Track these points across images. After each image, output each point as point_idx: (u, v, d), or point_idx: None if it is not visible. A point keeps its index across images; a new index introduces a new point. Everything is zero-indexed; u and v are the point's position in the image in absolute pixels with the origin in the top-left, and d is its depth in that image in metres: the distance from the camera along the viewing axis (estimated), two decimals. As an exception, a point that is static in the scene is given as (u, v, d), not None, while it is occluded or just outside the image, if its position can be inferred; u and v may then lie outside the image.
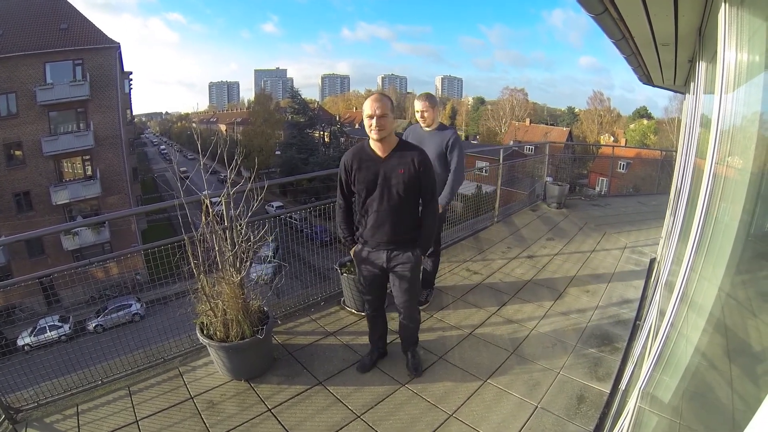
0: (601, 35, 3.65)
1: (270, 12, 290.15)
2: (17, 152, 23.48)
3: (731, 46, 2.03)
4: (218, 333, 3.42)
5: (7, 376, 3.46)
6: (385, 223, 3.14)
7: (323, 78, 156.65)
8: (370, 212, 3.16)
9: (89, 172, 25.41)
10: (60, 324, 18.01)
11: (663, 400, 2.21)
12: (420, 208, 3.23)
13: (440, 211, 4.02)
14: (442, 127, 4.44)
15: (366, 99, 3.05)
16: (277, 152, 45.54)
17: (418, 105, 4.34)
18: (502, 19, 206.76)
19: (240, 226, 3.51)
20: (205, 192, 3.46)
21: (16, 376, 3.54)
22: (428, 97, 4.34)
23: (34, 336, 17.43)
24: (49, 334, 17.42)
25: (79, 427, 3.12)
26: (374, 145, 3.08)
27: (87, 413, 3.27)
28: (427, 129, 4.40)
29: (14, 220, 22.92)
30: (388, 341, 3.86)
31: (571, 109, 77.56)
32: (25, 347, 16.72)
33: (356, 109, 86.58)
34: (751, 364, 1.51)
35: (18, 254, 22.98)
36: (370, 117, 2.95)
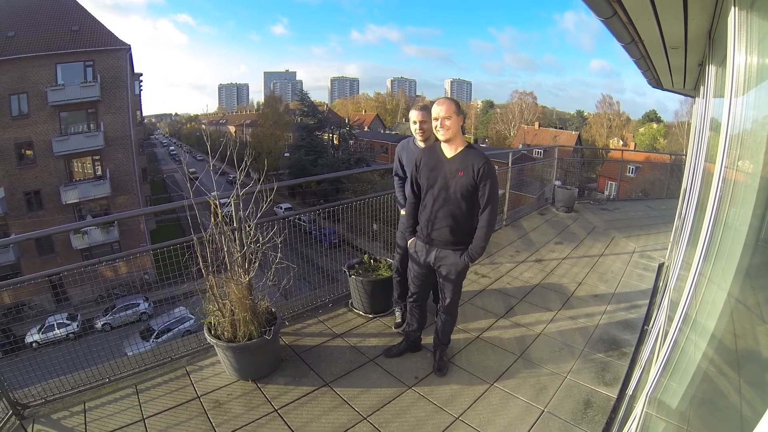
0: (613, 38, 3.64)
1: (279, 14, 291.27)
2: (28, 152, 23.68)
3: (741, 50, 2.03)
4: (226, 333, 3.44)
5: (15, 372, 3.49)
6: (438, 221, 3.27)
7: (332, 80, 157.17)
8: (426, 209, 3.33)
9: (99, 172, 25.58)
10: (68, 322, 18.16)
11: (670, 406, 2.19)
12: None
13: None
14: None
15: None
16: (286, 154, 45.59)
17: (414, 115, 3.78)
18: (513, 22, 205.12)
19: (249, 227, 3.52)
20: (214, 193, 3.48)
21: (24, 372, 3.57)
22: (425, 107, 3.74)
23: (42, 333, 17.57)
24: (57, 331, 17.55)
25: (86, 424, 3.15)
26: (443, 146, 3.24)
27: (94, 410, 3.29)
28: (421, 144, 3.88)
29: (24, 219, 23.13)
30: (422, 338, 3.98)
31: (580, 113, 77.28)
32: (34, 344, 16.86)
33: (365, 111, 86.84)
34: (760, 370, 1.50)
35: (28, 252, 23.19)
36: (436, 119, 3.13)
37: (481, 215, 3.19)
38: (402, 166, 4.09)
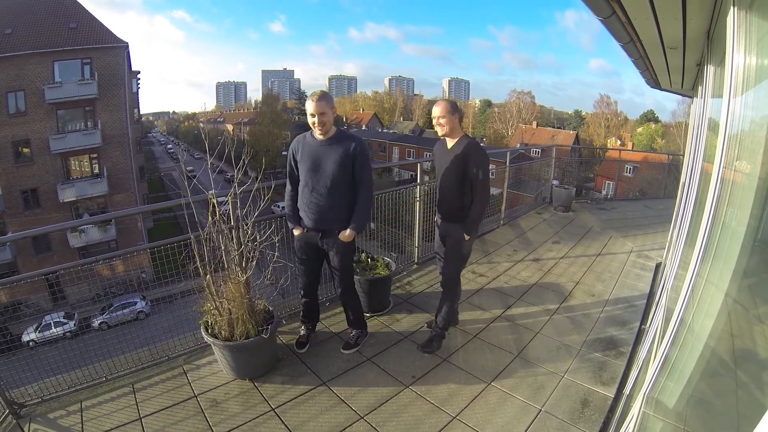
0: (612, 38, 3.65)
1: (277, 11, 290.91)
2: (25, 149, 23.56)
3: (740, 50, 2.02)
4: (223, 332, 3.43)
5: (11, 371, 3.47)
6: (442, 199, 3.93)
7: (330, 79, 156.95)
8: (437, 189, 3.99)
9: (96, 170, 25.47)
10: (65, 320, 18.11)
11: (668, 406, 2.20)
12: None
13: (350, 238, 3.61)
14: (341, 136, 3.58)
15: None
16: (284, 152, 45.49)
17: (310, 107, 3.43)
18: (514, 20, 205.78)
19: (246, 225, 3.52)
20: (212, 191, 3.47)
21: (21, 371, 3.55)
22: (322, 97, 3.42)
23: (39, 332, 17.52)
24: (54, 330, 17.50)
25: (82, 423, 3.14)
26: (446, 139, 3.82)
27: (91, 410, 3.28)
28: (320, 138, 3.53)
29: (21, 217, 23.07)
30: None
31: (578, 113, 77.28)
32: (30, 343, 16.81)
33: (363, 110, 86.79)
34: (757, 371, 1.50)
35: (24, 251, 23.12)
36: (435, 118, 3.75)
37: (473, 192, 3.68)
38: (295, 162, 3.71)
